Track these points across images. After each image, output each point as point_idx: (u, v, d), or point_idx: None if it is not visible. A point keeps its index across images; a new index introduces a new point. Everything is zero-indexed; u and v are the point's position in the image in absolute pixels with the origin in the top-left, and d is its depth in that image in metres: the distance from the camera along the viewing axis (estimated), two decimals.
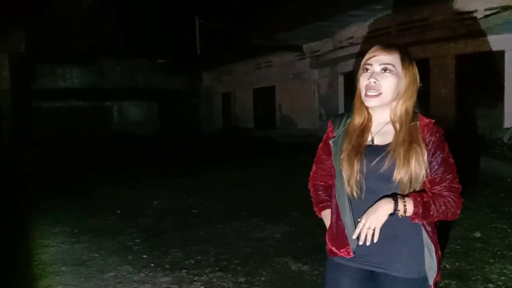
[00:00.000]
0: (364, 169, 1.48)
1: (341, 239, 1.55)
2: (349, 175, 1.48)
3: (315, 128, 12.99)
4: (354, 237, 1.47)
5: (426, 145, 1.46)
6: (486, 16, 7.91)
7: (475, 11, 8.45)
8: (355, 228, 1.47)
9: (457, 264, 3.45)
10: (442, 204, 1.43)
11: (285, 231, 4.57)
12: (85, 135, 15.14)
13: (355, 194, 1.49)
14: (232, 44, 17.55)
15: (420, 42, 9.32)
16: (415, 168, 1.42)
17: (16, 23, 13.10)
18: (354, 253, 1.53)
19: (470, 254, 3.63)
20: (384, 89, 1.46)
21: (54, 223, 5.13)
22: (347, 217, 1.53)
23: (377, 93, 1.47)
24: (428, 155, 1.45)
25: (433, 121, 1.52)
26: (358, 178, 1.48)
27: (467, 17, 8.56)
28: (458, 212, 1.47)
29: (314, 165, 1.76)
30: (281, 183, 6.87)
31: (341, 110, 12.26)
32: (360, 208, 1.48)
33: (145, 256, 3.95)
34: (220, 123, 20.07)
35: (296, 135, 13.31)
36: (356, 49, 10.86)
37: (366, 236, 1.41)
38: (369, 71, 1.50)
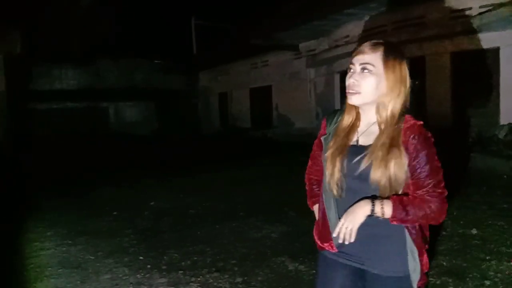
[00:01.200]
0: (345, 169, 1.50)
1: (326, 233, 1.60)
2: (331, 173, 1.51)
3: (312, 127, 12.99)
4: (334, 235, 1.50)
5: (407, 149, 1.43)
6: (481, 13, 7.92)
7: (470, 8, 8.47)
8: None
9: (454, 261, 3.45)
10: (422, 209, 1.43)
11: (282, 231, 4.56)
12: (82, 136, 15.09)
13: (335, 192, 1.52)
14: (229, 44, 17.55)
15: (416, 40, 9.34)
16: (394, 171, 1.42)
17: (12, 24, 13.02)
18: (338, 248, 1.57)
19: (467, 252, 3.63)
20: (363, 89, 1.48)
21: (50, 225, 5.11)
22: (332, 213, 1.57)
23: (355, 92, 1.49)
24: (410, 158, 1.43)
25: (420, 123, 1.47)
26: (338, 176, 1.50)
27: (462, 15, 8.57)
28: (442, 217, 1.47)
29: (309, 160, 1.82)
30: (279, 183, 6.86)
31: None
32: (344, 205, 1.51)
33: (141, 257, 3.93)
34: (217, 123, 20.05)
35: (293, 134, 13.30)
36: (352, 47, 10.83)
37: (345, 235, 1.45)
38: (352, 70, 1.52)
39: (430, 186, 1.44)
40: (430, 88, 9.42)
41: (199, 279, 3.40)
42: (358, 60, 1.50)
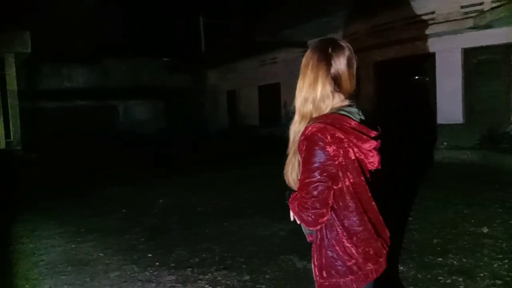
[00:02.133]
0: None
1: None
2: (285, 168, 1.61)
3: None
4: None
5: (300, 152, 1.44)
6: (493, 8, 7.79)
7: (482, 3, 8.33)
8: None
9: (464, 260, 3.40)
10: (293, 206, 1.47)
11: (290, 228, 4.54)
12: (90, 135, 15.20)
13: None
14: (237, 41, 17.51)
15: (425, 36, 9.23)
16: (288, 175, 1.55)
17: (22, 24, 13.16)
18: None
19: (477, 250, 3.58)
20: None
21: (60, 223, 5.16)
22: None
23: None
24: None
25: (313, 130, 1.37)
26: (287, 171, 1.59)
27: (473, 10, 8.45)
28: (305, 219, 1.41)
29: None
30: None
31: None
32: None
33: (150, 255, 3.95)
34: (225, 121, 20.04)
35: None
36: (360, 44, 10.77)
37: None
38: None
39: (299, 187, 1.44)
40: (441, 85, 9.32)
41: (207, 276, 3.40)
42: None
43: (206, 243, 4.19)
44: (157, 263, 3.73)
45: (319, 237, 1.46)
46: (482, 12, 8.12)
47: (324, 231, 1.44)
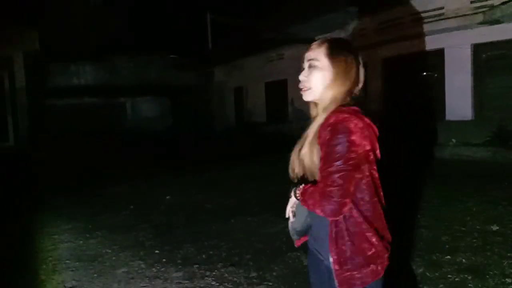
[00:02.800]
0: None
1: None
2: (291, 164, 1.61)
3: None
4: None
5: (319, 140, 1.44)
6: (504, 3, 7.68)
7: None
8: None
9: (473, 258, 3.37)
10: (312, 198, 1.44)
11: None
12: (98, 132, 15.29)
13: (295, 180, 1.61)
14: (244, 38, 17.47)
15: (434, 32, 9.14)
16: (306, 161, 1.50)
17: (30, 23, 13.26)
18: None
19: (487, 248, 3.54)
20: (312, 83, 1.53)
21: (68, 219, 5.19)
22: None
23: (305, 88, 1.55)
24: (321, 149, 1.43)
25: (338, 120, 1.39)
26: (293, 170, 1.60)
27: (483, 5, 8.34)
28: (327, 208, 1.39)
29: None
30: None
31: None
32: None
33: (157, 251, 3.96)
34: (232, 118, 20.04)
35: None
36: (368, 40, 10.69)
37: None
38: (303, 68, 1.57)
39: (323, 178, 1.42)
40: (450, 81, 9.22)
41: (214, 273, 3.40)
42: (306, 57, 1.55)
43: (213, 240, 4.19)
44: (164, 260, 3.73)
45: (334, 230, 1.44)
46: (492, 7, 8.01)
47: (342, 222, 1.44)
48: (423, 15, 9.49)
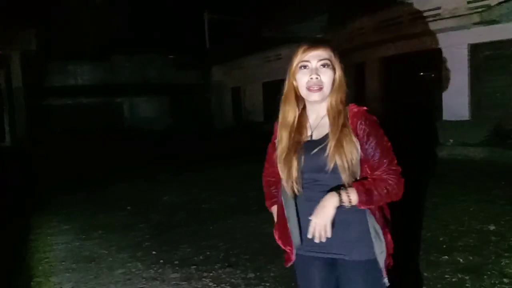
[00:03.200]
0: (302, 163, 1.53)
1: (286, 233, 1.62)
2: (288, 173, 1.53)
3: None
4: (309, 236, 1.48)
5: (357, 134, 1.49)
6: (500, 3, 7.70)
7: None
8: (298, 223, 1.56)
9: (471, 258, 3.37)
10: (384, 188, 1.48)
11: None
12: (96, 131, 15.25)
13: (295, 189, 1.53)
14: (242, 37, 17.47)
15: (432, 32, 9.15)
16: (347, 155, 1.46)
17: (27, 22, 13.20)
18: (296, 248, 1.59)
19: (484, 248, 3.54)
20: (325, 84, 1.52)
21: (65, 220, 5.18)
22: (291, 211, 1.58)
23: (318, 88, 1.52)
24: (362, 143, 1.49)
25: (364, 109, 1.54)
26: (296, 174, 1.52)
27: (480, 5, 8.35)
28: (401, 192, 1.52)
29: (265, 163, 1.86)
30: None
31: (352, 101, 12.13)
32: (304, 201, 1.55)
33: (154, 252, 3.95)
34: (230, 118, 20.04)
35: None
36: (367, 39, 10.69)
37: (320, 234, 1.46)
38: (307, 67, 1.53)
39: (385, 165, 1.50)
40: (446, 81, 9.24)
41: (211, 274, 3.39)
42: (315, 57, 1.52)
43: (211, 240, 4.18)
44: (162, 261, 3.72)
45: (375, 220, 1.52)
46: (489, 7, 8.02)
47: (381, 211, 1.56)
48: (420, 14, 9.51)
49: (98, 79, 18.47)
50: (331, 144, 1.47)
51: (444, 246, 3.65)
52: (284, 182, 1.56)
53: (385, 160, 1.49)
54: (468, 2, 8.59)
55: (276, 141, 1.65)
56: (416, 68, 10.11)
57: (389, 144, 1.53)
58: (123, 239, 4.35)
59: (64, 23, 18.13)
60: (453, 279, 3.04)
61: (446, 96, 9.29)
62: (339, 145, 1.46)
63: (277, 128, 1.67)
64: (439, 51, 9.28)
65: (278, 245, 4.06)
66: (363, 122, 1.50)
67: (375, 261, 1.51)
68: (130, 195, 6.47)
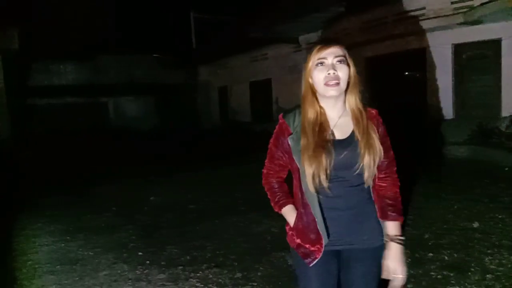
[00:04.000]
0: (333, 162, 1.56)
1: (312, 232, 1.61)
2: (318, 169, 1.54)
3: None
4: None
5: (377, 132, 1.61)
6: (483, 4, 7.82)
7: None
8: (323, 219, 1.59)
9: (455, 255, 3.42)
10: (398, 196, 1.67)
11: (283, 225, 4.47)
12: (82, 132, 15.05)
13: (324, 185, 1.55)
14: (228, 37, 17.42)
15: (416, 32, 9.25)
16: (375, 155, 1.56)
17: (10, 20, 12.93)
18: (325, 245, 1.60)
19: (468, 245, 3.60)
20: (342, 79, 1.57)
21: (49, 221, 5.09)
22: (316, 209, 1.59)
23: (336, 82, 1.56)
24: (380, 141, 1.60)
25: (377, 111, 1.68)
26: (327, 171, 1.55)
27: (463, 6, 8.48)
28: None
29: (267, 162, 1.78)
30: None
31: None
32: (327, 197, 1.59)
33: (140, 253, 3.91)
34: (217, 117, 19.98)
35: None
36: (352, 40, 10.76)
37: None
38: (324, 64, 1.57)
39: (393, 166, 1.68)
40: (431, 80, 9.35)
41: (198, 274, 3.38)
42: (331, 53, 1.56)
43: (198, 241, 4.15)
44: (148, 262, 3.69)
45: (376, 207, 1.66)
46: (472, 7, 8.15)
47: None
48: (405, 15, 9.60)
49: (83, 78, 18.23)
50: (361, 145, 1.55)
51: (430, 244, 3.70)
52: (308, 178, 1.55)
53: (392, 162, 1.67)
54: (452, 3, 8.70)
55: (289, 138, 1.64)
56: (401, 68, 10.21)
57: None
58: (109, 241, 4.30)
59: (48, 21, 17.84)
60: (438, 276, 3.08)
61: (431, 96, 9.41)
62: (368, 145, 1.55)
63: (287, 124, 1.66)
64: (423, 51, 9.39)
65: (266, 245, 4.06)
66: (380, 124, 1.63)
67: (382, 247, 1.64)
68: (116, 196, 6.39)
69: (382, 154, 1.58)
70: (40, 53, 16.33)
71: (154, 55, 20.04)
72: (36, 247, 4.19)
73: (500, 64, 8.27)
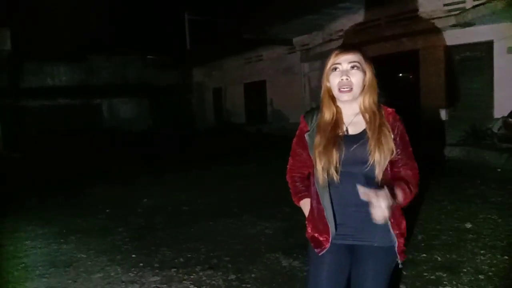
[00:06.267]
0: (343, 156, 1.66)
1: (321, 222, 1.74)
2: (328, 164, 1.65)
3: None
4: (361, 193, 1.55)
5: (392, 131, 1.68)
6: (475, 6, 7.90)
7: (464, 1, 8.45)
8: (333, 210, 1.69)
9: (448, 256, 3.44)
10: (413, 186, 1.70)
11: (276, 226, 4.54)
12: (75, 133, 14.97)
13: (335, 179, 1.65)
14: (222, 39, 17.43)
15: (409, 34, 9.31)
16: (385, 150, 1.63)
17: (1, 21, 12.85)
18: (332, 236, 1.71)
19: (461, 246, 3.62)
20: (355, 84, 1.67)
21: (42, 223, 5.04)
22: (326, 201, 1.70)
23: (349, 88, 1.66)
24: (394, 139, 1.67)
25: (394, 110, 1.75)
26: (337, 165, 1.65)
27: (456, 8, 8.55)
28: (417, 188, 1.73)
29: (290, 158, 1.94)
30: (274, 179, 6.78)
31: None
32: (339, 191, 1.69)
33: (134, 255, 3.89)
34: (212, 119, 19.97)
35: (288, 129, 13.22)
36: (345, 41, 10.80)
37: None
38: (338, 69, 1.68)
39: (411, 162, 1.73)
40: (424, 82, 9.41)
41: (192, 276, 3.36)
42: (346, 60, 1.67)
43: (192, 243, 4.14)
44: (141, 264, 3.67)
45: (394, 210, 1.64)
46: (464, 10, 8.22)
47: None
48: (399, 17, 9.67)
49: (76, 79, 18.16)
50: (371, 142, 1.63)
51: (423, 245, 3.72)
52: (319, 172, 1.67)
53: (410, 157, 1.72)
54: (445, 5, 8.77)
55: (306, 135, 1.77)
56: (395, 69, 10.27)
57: (411, 149, 1.74)
58: (102, 243, 4.27)
59: (41, 22, 17.74)
60: (431, 277, 3.10)
61: (424, 97, 9.47)
62: (379, 143, 1.62)
63: (305, 122, 1.80)
64: (417, 53, 9.45)
65: (260, 247, 4.06)
66: (398, 122, 1.71)
67: (392, 248, 1.69)
68: (109, 198, 6.36)
69: (394, 151, 1.65)
70: (33, 54, 16.24)
71: (148, 56, 20.02)
72: (28, 249, 4.16)
73: (492, 65, 8.35)
